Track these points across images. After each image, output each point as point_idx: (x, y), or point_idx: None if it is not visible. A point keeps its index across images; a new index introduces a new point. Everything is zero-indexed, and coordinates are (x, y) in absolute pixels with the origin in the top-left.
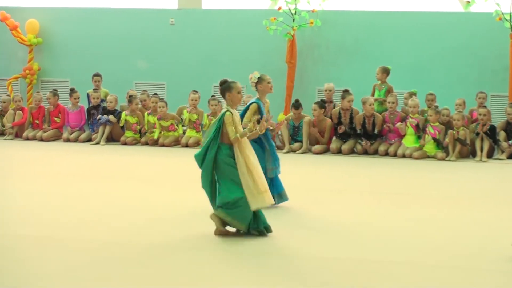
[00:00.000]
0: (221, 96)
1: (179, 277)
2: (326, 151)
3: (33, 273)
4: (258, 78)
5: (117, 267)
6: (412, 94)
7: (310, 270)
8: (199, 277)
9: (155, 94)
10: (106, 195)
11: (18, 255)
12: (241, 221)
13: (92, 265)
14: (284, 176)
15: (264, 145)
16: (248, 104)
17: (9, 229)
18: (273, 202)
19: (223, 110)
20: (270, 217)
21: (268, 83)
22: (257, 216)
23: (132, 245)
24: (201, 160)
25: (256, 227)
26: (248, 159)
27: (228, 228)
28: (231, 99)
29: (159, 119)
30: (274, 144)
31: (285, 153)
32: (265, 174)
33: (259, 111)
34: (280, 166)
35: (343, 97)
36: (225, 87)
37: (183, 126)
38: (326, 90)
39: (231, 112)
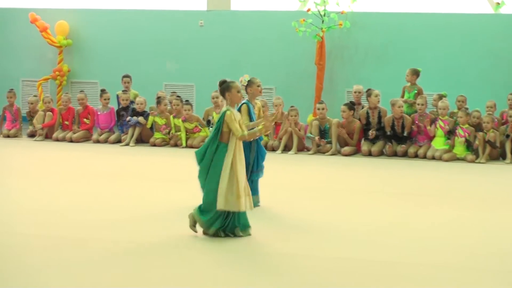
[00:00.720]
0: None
1: (187, 275)
2: (355, 152)
3: (53, 273)
4: (248, 81)
5: (136, 267)
6: (441, 96)
7: (332, 271)
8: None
9: (178, 96)
10: (132, 195)
11: (43, 254)
12: (209, 226)
13: (108, 265)
14: (313, 177)
15: (250, 146)
16: (239, 105)
17: (31, 230)
18: (252, 208)
19: (223, 109)
20: (294, 217)
21: (258, 86)
22: (230, 217)
23: (150, 246)
24: (200, 157)
25: (225, 227)
26: (235, 162)
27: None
28: (231, 98)
29: (183, 121)
30: (265, 150)
31: (311, 154)
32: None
33: (248, 113)
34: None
35: (369, 95)
36: (225, 87)
37: (210, 127)
38: (355, 92)
39: (231, 111)
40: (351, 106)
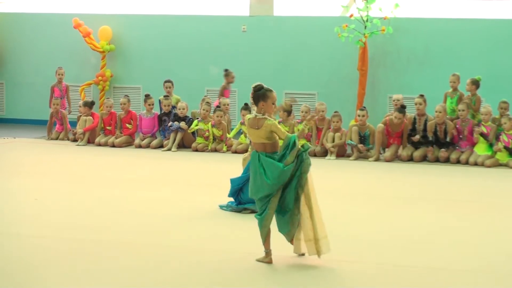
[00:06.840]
0: None
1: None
2: (397, 156)
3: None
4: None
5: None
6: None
7: (373, 277)
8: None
9: (218, 107)
10: (174, 200)
11: (90, 257)
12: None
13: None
14: (353, 183)
15: None
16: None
17: (79, 235)
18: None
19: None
20: (338, 226)
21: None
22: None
23: (188, 251)
24: None
25: None
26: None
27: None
28: (264, 109)
29: (212, 126)
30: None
31: (352, 160)
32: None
33: None
34: None
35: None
36: (260, 94)
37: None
38: (394, 100)
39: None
40: (402, 110)
